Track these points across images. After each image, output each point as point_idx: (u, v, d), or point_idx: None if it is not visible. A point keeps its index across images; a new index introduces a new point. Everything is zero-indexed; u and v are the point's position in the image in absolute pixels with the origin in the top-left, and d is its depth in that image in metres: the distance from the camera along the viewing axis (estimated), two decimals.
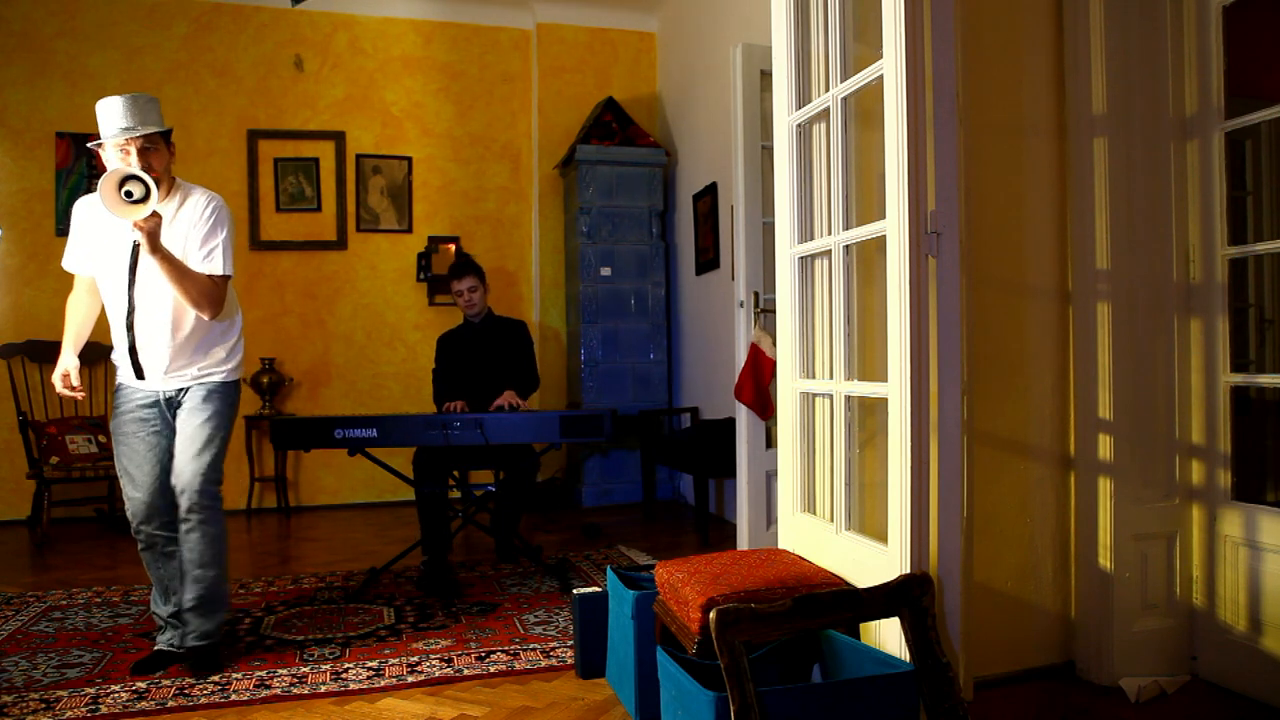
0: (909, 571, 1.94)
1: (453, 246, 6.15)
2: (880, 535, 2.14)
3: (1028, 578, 2.55)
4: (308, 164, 6.02)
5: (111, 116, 2.62)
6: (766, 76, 3.61)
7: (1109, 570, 2.47)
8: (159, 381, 2.78)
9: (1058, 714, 2.29)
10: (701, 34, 5.64)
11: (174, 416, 2.79)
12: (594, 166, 5.82)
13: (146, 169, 2.57)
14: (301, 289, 6.00)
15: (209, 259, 2.71)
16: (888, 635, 2.04)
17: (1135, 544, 2.48)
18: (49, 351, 5.32)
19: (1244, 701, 2.33)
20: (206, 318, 2.74)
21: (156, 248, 2.54)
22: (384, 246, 6.14)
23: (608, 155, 5.83)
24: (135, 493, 2.75)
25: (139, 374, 2.77)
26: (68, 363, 2.79)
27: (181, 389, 2.80)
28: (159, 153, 2.65)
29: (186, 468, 2.71)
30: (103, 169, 2.67)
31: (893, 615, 1.88)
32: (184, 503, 2.70)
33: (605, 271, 5.87)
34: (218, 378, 2.84)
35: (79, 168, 5.60)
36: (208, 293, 2.70)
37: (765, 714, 1.68)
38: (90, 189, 5.60)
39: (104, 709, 2.42)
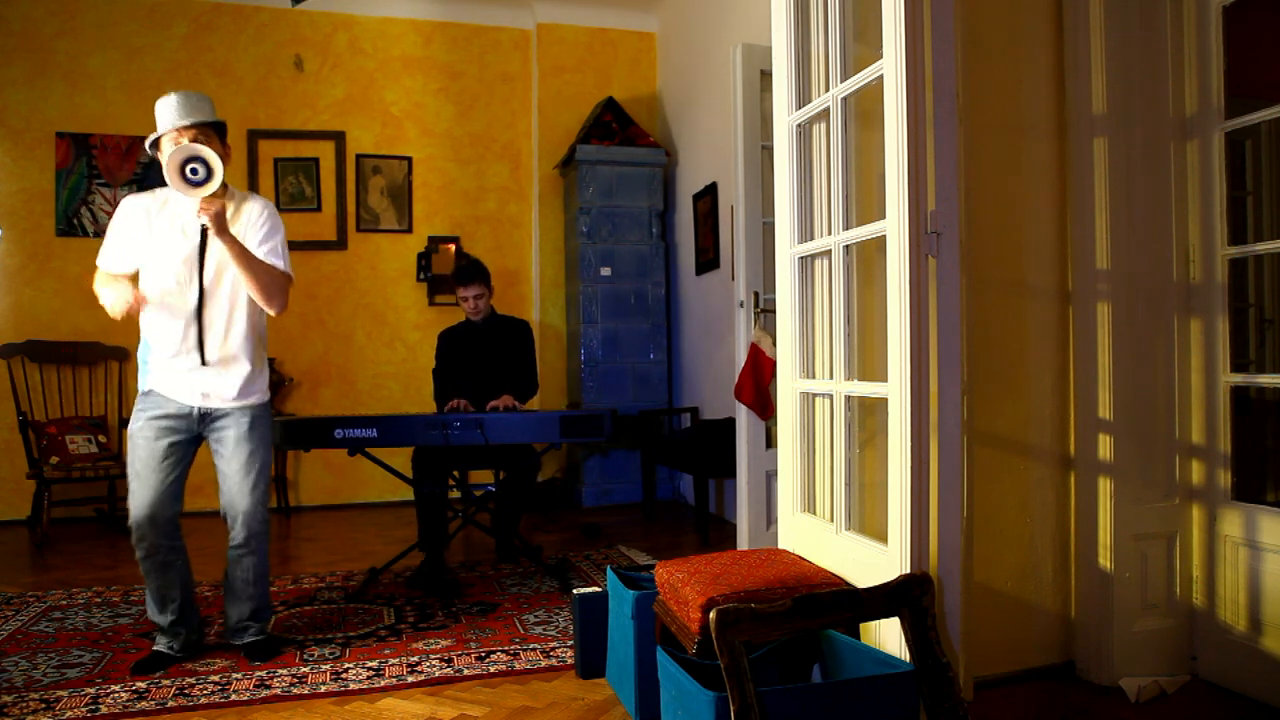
0: (909, 571, 1.94)
1: (453, 246, 6.15)
2: (880, 535, 2.14)
3: (1028, 578, 2.55)
4: (308, 164, 6.02)
5: (165, 113, 2.73)
6: (766, 76, 3.61)
7: (1109, 570, 2.47)
8: (203, 384, 2.77)
9: (1058, 714, 2.29)
10: (701, 34, 5.64)
11: (203, 434, 2.81)
12: (594, 166, 5.82)
13: None
14: (301, 289, 5.98)
15: (272, 256, 2.79)
16: (888, 635, 2.04)
17: (1135, 544, 2.48)
18: (49, 351, 5.34)
19: (1244, 701, 2.33)
20: (273, 312, 2.80)
21: (223, 229, 2.60)
22: (384, 246, 6.15)
23: (608, 155, 5.83)
24: (145, 493, 2.72)
25: (204, 360, 2.75)
26: (127, 291, 2.70)
27: (218, 411, 2.80)
28: (210, 144, 2.70)
29: (244, 499, 2.78)
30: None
31: (893, 615, 1.88)
32: (240, 533, 2.80)
33: (605, 271, 5.87)
34: (254, 399, 2.86)
35: (79, 168, 5.60)
36: (277, 281, 2.77)
37: (765, 714, 1.68)
38: (90, 189, 5.60)
39: (104, 709, 2.42)
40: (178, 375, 2.76)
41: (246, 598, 2.86)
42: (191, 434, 2.79)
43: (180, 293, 2.74)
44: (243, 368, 2.81)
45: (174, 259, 2.74)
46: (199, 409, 2.78)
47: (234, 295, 2.79)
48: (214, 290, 2.76)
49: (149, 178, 5.67)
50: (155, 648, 2.81)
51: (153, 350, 2.80)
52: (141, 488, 2.72)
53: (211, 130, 2.74)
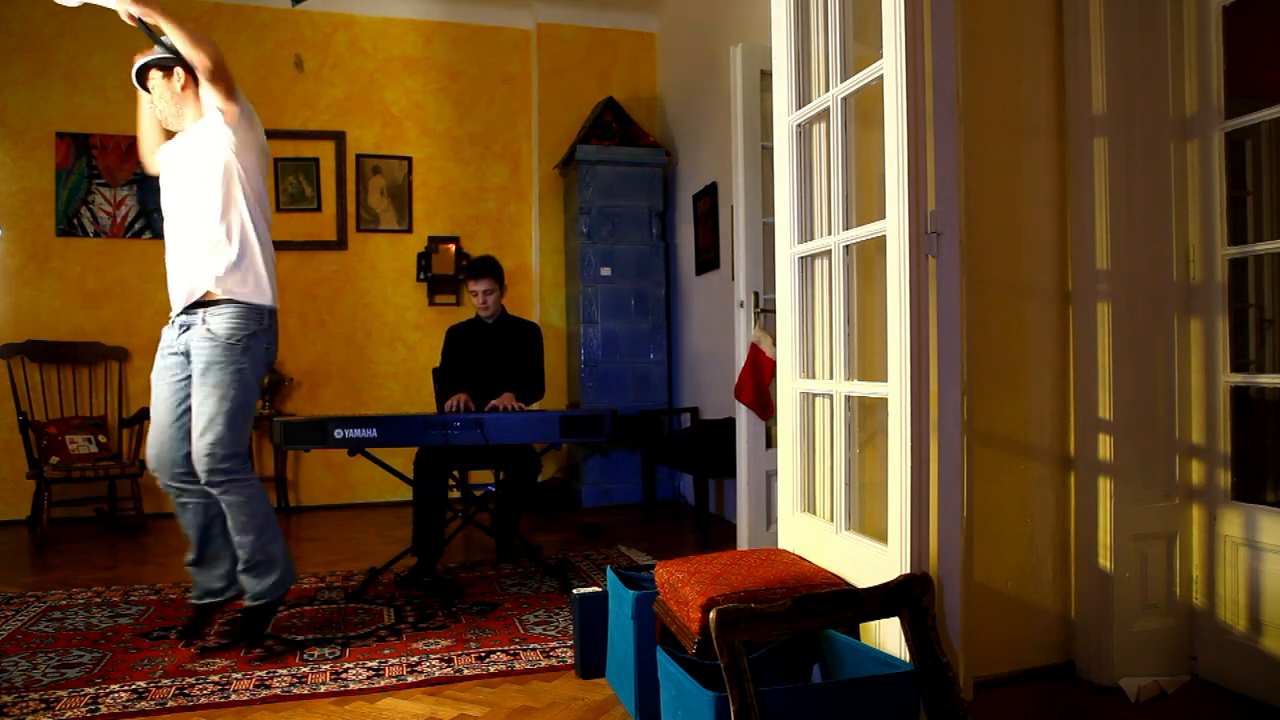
0: (909, 571, 1.94)
1: (453, 247, 6.15)
2: (880, 535, 2.14)
3: (1028, 578, 2.55)
4: (308, 164, 6.02)
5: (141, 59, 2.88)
6: (766, 76, 3.61)
7: (1109, 570, 2.47)
8: (179, 309, 2.84)
9: (1058, 714, 2.29)
10: (701, 34, 5.64)
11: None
12: (594, 166, 5.82)
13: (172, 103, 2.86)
14: (301, 289, 6.00)
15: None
16: (888, 635, 2.04)
17: (1135, 544, 2.48)
18: (49, 351, 5.34)
19: (1244, 701, 2.33)
20: (204, 77, 2.74)
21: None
22: (384, 246, 6.15)
23: (608, 155, 5.83)
24: (154, 434, 2.85)
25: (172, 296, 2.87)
26: None
27: (188, 326, 2.83)
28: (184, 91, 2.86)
29: (195, 443, 2.77)
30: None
31: (893, 615, 1.88)
32: (201, 478, 2.78)
33: (605, 271, 5.87)
34: (219, 325, 2.78)
35: (79, 168, 5.60)
36: (206, 40, 2.73)
37: (765, 714, 1.68)
38: (90, 189, 5.60)
39: (104, 709, 2.42)
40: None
41: (237, 546, 2.85)
42: (185, 369, 2.84)
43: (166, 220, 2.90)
44: (200, 283, 2.81)
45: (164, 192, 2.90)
46: (182, 325, 2.85)
47: (192, 213, 2.84)
48: (172, 212, 2.88)
49: (149, 177, 5.66)
50: (190, 601, 2.95)
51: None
52: (154, 426, 2.85)
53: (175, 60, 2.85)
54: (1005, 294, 2.54)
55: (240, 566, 2.86)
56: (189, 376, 2.82)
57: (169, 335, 2.89)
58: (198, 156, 2.80)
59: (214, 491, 2.79)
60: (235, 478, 2.78)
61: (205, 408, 2.75)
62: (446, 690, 2.55)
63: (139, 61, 2.86)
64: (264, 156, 2.92)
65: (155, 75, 2.86)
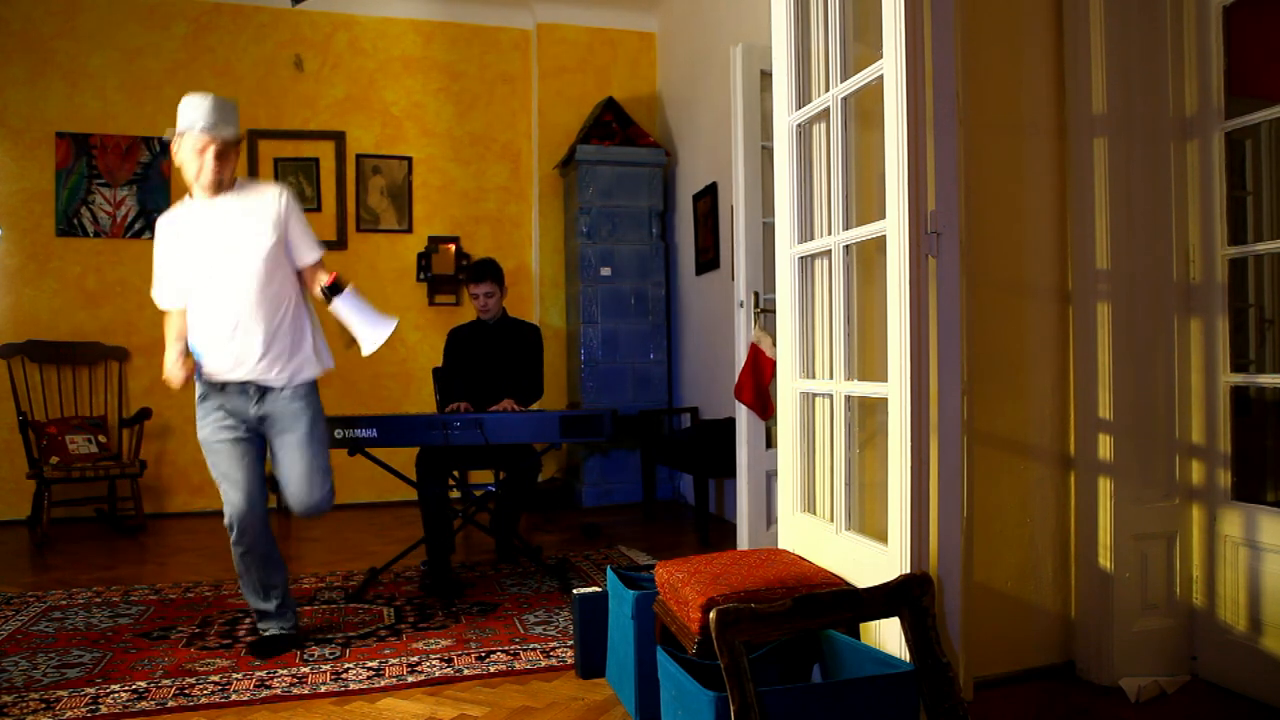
0: (909, 571, 1.94)
1: (453, 247, 6.15)
2: (880, 535, 2.14)
3: (1028, 578, 2.55)
4: (308, 164, 6.02)
5: (197, 113, 2.71)
6: (766, 76, 3.60)
7: (1109, 570, 2.47)
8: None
9: (1058, 714, 2.29)
10: (701, 34, 5.64)
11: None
12: (594, 166, 5.82)
13: (218, 170, 2.74)
14: None
15: (312, 250, 2.93)
16: (888, 635, 2.04)
17: (1135, 544, 2.48)
18: (49, 351, 5.34)
19: (1244, 701, 2.33)
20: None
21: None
22: (384, 246, 6.15)
23: (608, 155, 5.83)
24: (249, 500, 2.89)
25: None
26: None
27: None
28: (229, 160, 2.78)
29: (316, 492, 3.02)
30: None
31: (893, 615, 1.88)
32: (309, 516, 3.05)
33: (605, 271, 5.87)
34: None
35: (79, 168, 5.60)
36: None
37: (765, 714, 1.68)
38: (90, 189, 5.60)
39: (104, 709, 2.42)
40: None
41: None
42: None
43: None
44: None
45: (212, 265, 2.79)
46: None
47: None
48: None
49: (149, 177, 5.68)
50: (269, 633, 2.95)
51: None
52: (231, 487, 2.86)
53: (233, 146, 2.79)
54: (1005, 294, 2.54)
55: (279, 602, 2.96)
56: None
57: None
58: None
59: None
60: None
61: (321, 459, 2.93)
62: (446, 690, 2.55)
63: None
64: None
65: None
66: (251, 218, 2.79)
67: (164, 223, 2.86)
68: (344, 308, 2.87)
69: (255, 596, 2.94)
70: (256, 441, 2.88)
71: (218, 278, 2.76)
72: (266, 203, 2.83)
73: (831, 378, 2.37)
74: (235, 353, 2.77)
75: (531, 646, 2.91)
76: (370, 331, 2.85)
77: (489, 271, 4.19)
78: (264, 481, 2.91)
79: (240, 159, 2.87)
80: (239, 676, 2.66)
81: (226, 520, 2.83)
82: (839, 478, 2.29)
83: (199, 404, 2.85)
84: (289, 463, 2.85)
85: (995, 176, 2.52)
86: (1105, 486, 2.48)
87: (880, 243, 2.13)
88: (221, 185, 2.77)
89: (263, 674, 2.68)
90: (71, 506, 5.19)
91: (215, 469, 2.83)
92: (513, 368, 4.24)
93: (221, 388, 2.81)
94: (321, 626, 3.17)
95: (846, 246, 2.29)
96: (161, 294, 2.88)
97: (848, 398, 2.29)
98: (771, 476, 3.63)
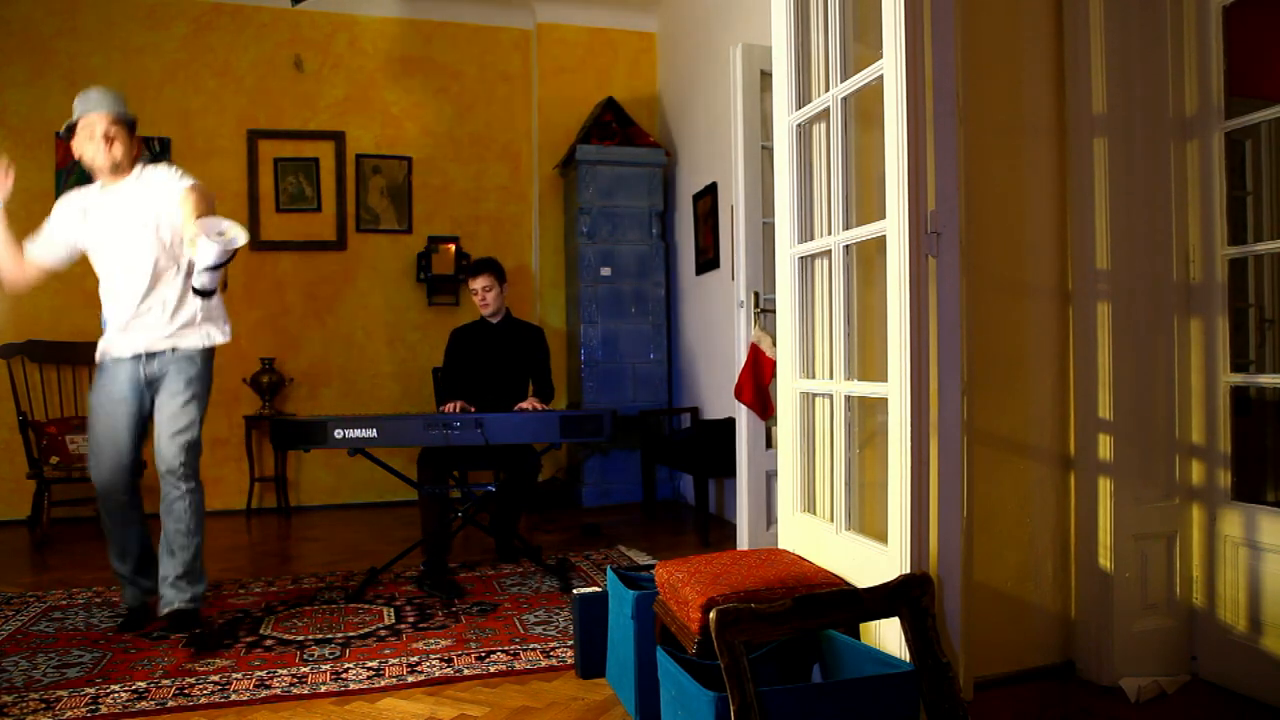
0: (909, 571, 1.94)
1: (452, 247, 6.15)
2: (880, 535, 2.14)
3: (1028, 578, 2.55)
4: (308, 164, 6.02)
5: (81, 104, 3.00)
6: (766, 76, 3.61)
7: (1109, 570, 2.47)
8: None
9: (1058, 714, 2.29)
10: (701, 34, 5.64)
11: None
12: (594, 166, 5.82)
13: (110, 151, 2.97)
14: (301, 289, 5.99)
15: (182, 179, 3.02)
16: (888, 635, 2.04)
17: (1135, 544, 2.48)
18: (49, 351, 5.33)
19: (1244, 701, 2.33)
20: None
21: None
22: (384, 246, 6.14)
23: (608, 155, 5.83)
24: (112, 456, 3.09)
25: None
26: None
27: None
28: (120, 140, 3.00)
29: (174, 440, 3.04)
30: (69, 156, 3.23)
31: (893, 615, 1.88)
32: (176, 474, 3.02)
33: (605, 271, 5.87)
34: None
35: (79, 168, 5.57)
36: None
37: (765, 714, 1.68)
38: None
39: (104, 709, 2.42)
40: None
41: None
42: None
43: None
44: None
45: (119, 246, 3.05)
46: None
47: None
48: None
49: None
50: (129, 605, 3.17)
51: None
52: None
53: (124, 125, 3.02)
54: (1005, 294, 2.54)
55: (179, 571, 2.98)
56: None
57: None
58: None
59: (181, 488, 2.98)
60: (197, 477, 3.07)
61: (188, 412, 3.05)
62: (446, 690, 2.55)
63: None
64: None
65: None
66: (147, 200, 2.99)
67: (68, 197, 3.16)
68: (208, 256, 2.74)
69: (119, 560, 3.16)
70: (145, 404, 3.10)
71: (120, 259, 3.02)
72: (161, 184, 3.00)
73: (831, 378, 2.37)
74: (140, 327, 3.05)
75: (531, 646, 2.91)
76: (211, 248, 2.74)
77: (486, 264, 4.23)
78: (139, 442, 3.11)
79: (135, 144, 3.07)
80: (239, 676, 2.66)
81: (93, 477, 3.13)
82: (839, 478, 2.29)
83: (98, 373, 3.14)
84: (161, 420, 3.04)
85: (995, 176, 2.52)
86: (1105, 486, 2.48)
87: (880, 243, 2.13)
88: (118, 168, 3.01)
89: (262, 674, 2.68)
90: (71, 506, 5.19)
91: (93, 429, 3.09)
92: (516, 369, 4.24)
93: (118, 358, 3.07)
94: (321, 626, 3.17)
95: (846, 246, 2.29)
96: (35, 248, 3.18)
97: (848, 398, 2.29)
98: (771, 476, 3.63)
